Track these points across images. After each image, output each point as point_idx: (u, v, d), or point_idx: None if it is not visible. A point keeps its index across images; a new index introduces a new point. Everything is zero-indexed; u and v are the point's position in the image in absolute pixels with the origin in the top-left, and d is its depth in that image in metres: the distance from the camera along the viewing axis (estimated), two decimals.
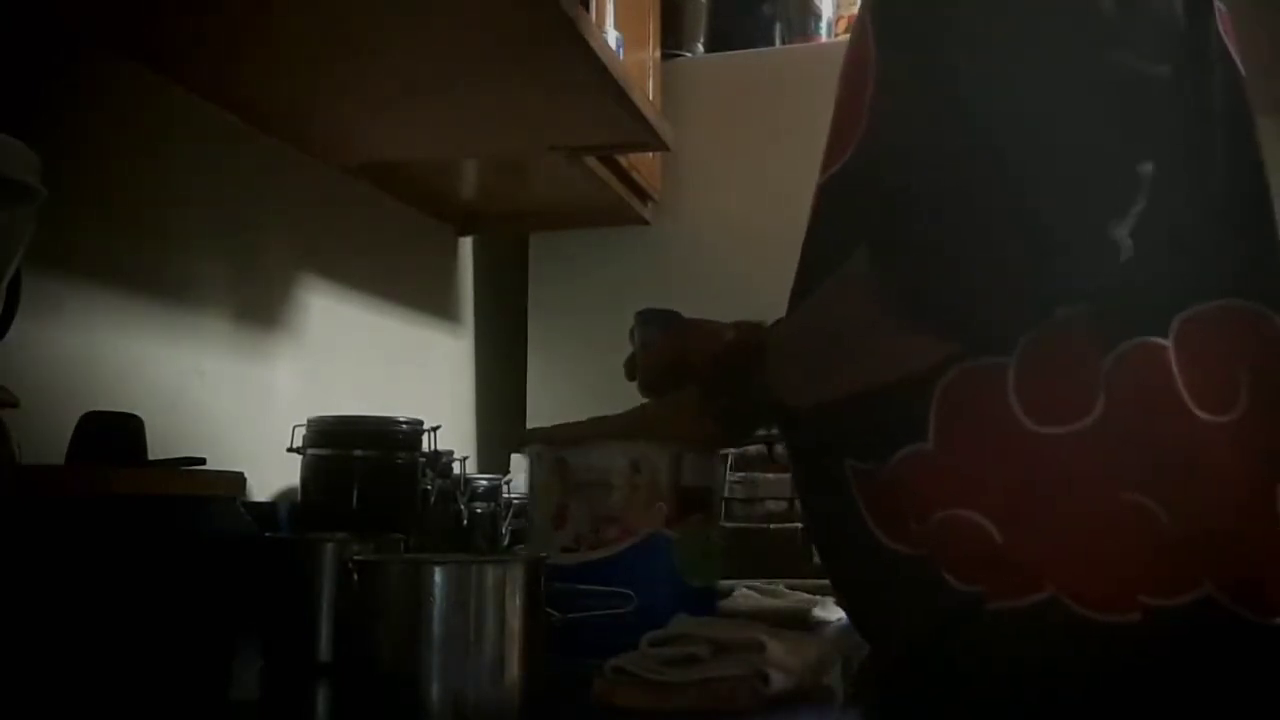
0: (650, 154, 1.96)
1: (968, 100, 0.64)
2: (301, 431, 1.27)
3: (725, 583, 1.51)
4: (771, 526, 1.67)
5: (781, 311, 0.99)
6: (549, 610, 0.80)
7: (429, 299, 2.01)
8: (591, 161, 1.75)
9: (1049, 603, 0.62)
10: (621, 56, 1.70)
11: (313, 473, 1.26)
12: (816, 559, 0.88)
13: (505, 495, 1.49)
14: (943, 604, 0.67)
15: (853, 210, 0.76)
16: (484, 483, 1.45)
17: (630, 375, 1.06)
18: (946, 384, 0.67)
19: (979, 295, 0.64)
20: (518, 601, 0.72)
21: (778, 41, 2.25)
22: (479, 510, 1.42)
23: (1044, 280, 0.63)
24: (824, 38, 2.21)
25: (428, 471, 1.29)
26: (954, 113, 0.64)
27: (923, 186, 0.66)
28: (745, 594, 1.42)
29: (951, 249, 0.63)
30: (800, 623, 1.29)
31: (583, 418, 0.96)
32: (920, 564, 0.67)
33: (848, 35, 0.91)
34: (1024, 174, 0.61)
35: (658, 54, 2.06)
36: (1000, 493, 0.65)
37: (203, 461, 0.87)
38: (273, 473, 1.41)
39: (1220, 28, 0.71)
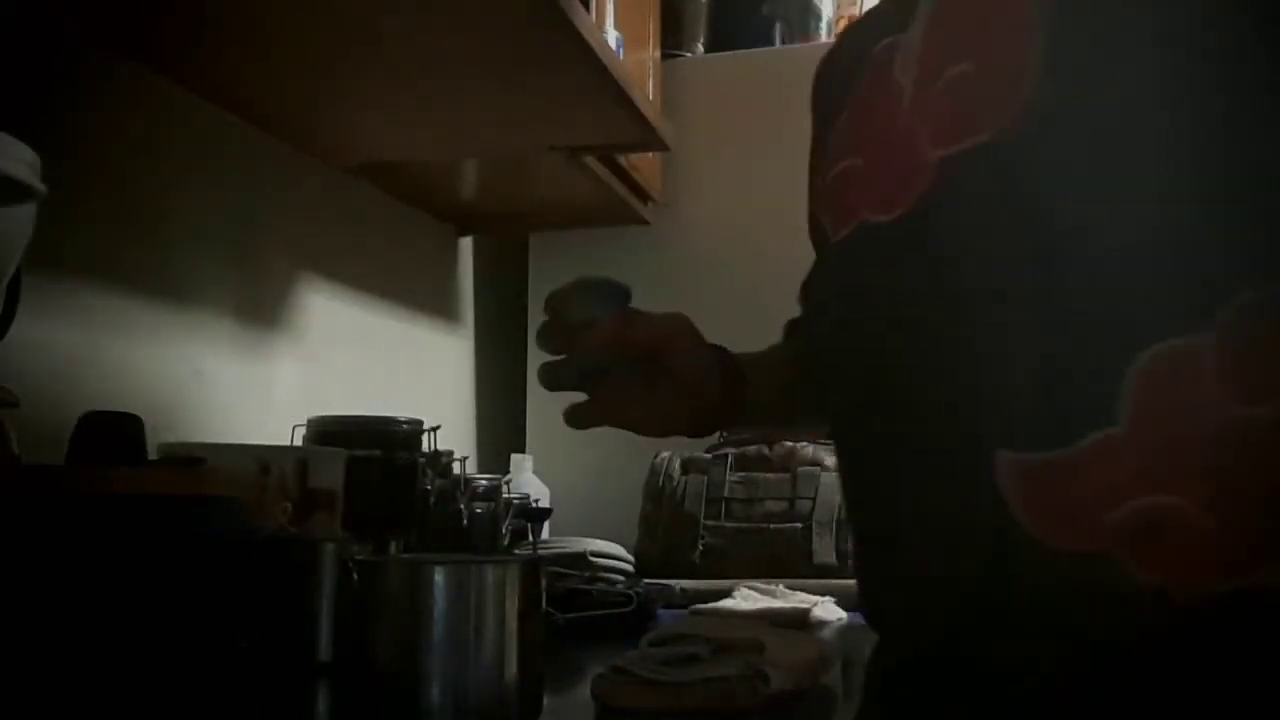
0: (650, 154, 1.96)
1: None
2: (301, 431, 1.27)
3: (725, 583, 1.52)
4: (771, 526, 1.67)
5: (780, 311, 0.99)
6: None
7: (429, 299, 2.01)
8: (591, 161, 1.75)
9: (1263, 591, 0.58)
10: (621, 56, 1.70)
11: None
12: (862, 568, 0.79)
13: (505, 495, 1.49)
14: (1122, 603, 0.62)
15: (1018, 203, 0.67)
16: (484, 483, 1.45)
17: (553, 347, 0.93)
18: (1140, 366, 0.62)
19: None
20: (517, 601, 0.72)
21: (778, 41, 2.25)
22: (479, 510, 1.42)
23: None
24: (824, 37, 2.21)
25: (428, 471, 1.29)
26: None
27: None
28: (745, 594, 1.43)
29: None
30: (800, 623, 1.29)
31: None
32: (1094, 561, 0.62)
33: None
34: None
35: (658, 54, 2.06)
36: (1208, 477, 0.60)
37: (203, 461, 0.87)
38: None
39: None
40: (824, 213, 0.81)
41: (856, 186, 0.76)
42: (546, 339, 0.93)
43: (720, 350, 0.93)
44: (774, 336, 1.01)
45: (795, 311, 0.98)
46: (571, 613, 1.20)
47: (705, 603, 1.39)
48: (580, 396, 0.91)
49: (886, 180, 0.73)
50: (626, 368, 0.90)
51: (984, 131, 0.67)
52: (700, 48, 2.27)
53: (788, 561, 1.62)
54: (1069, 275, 0.65)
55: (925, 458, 0.70)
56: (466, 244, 2.15)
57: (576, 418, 0.91)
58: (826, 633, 1.29)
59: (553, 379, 0.91)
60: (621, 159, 1.85)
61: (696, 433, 0.93)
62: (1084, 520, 0.63)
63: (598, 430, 0.92)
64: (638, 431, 0.92)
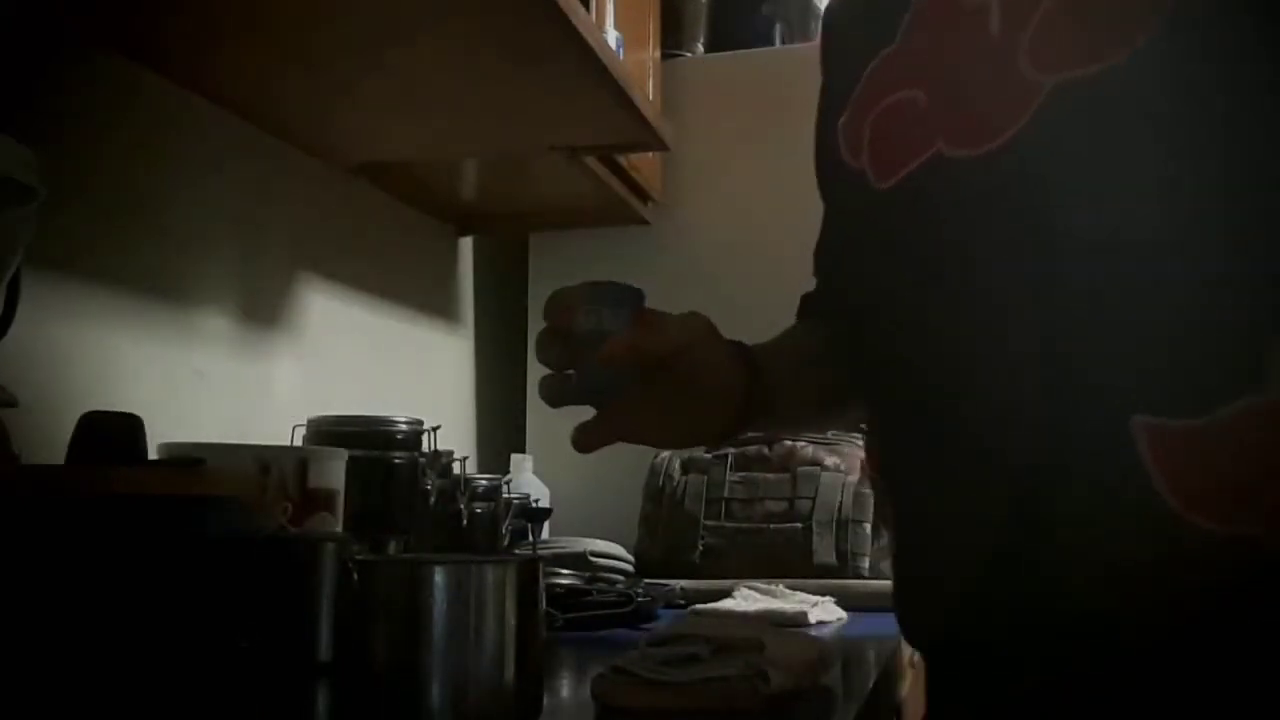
0: (650, 154, 1.96)
1: None
2: (301, 431, 1.27)
3: (725, 583, 1.52)
4: (771, 526, 1.67)
5: (780, 311, 0.99)
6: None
7: (429, 299, 2.01)
8: (591, 161, 1.75)
9: None
10: (621, 56, 1.70)
11: None
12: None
13: (505, 495, 1.49)
14: (1252, 584, 0.58)
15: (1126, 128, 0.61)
16: (484, 483, 1.45)
17: (555, 359, 0.79)
18: None
19: None
20: (517, 601, 0.71)
21: (778, 41, 2.25)
22: (479, 510, 1.42)
23: None
24: None
25: (428, 471, 1.29)
26: None
27: None
28: (745, 594, 1.43)
29: None
30: (800, 623, 1.29)
31: (583, 419, 0.86)
32: (1235, 544, 0.57)
33: None
34: None
35: (658, 54, 2.06)
36: None
37: (203, 461, 0.87)
38: None
39: None
40: (857, 156, 0.72)
41: (922, 120, 0.68)
42: (548, 351, 0.79)
43: (739, 348, 0.83)
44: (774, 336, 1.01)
45: (795, 311, 0.97)
46: (571, 613, 1.20)
47: (705, 603, 1.39)
48: (584, 411, 0.80)
49: (973, 111, 0.65)
50: (640, 378, 0.78)
51: (1118, 51, 0.60)
52: (700, 48, 2.27)
53: (788, 561, 1.62)
54: (1212, 219, 0.59)
55: (1041, 421, 0.62)
56: (466, 244, 2.15)
57: (587, 439, 0.78)
58: (826, 633, 1.29)
59: (557, 395, 0.79)
60: (621, 159, 1.85)
61: (717, 442, 0.86)
62: (1229, 495, 0.58)
63: None
64: (655, 446, 0.82)
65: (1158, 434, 0.58)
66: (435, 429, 1.32)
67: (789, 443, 1.74)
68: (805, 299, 0.96)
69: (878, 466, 0.80)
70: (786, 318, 0.99)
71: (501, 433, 2.21)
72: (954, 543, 0.68)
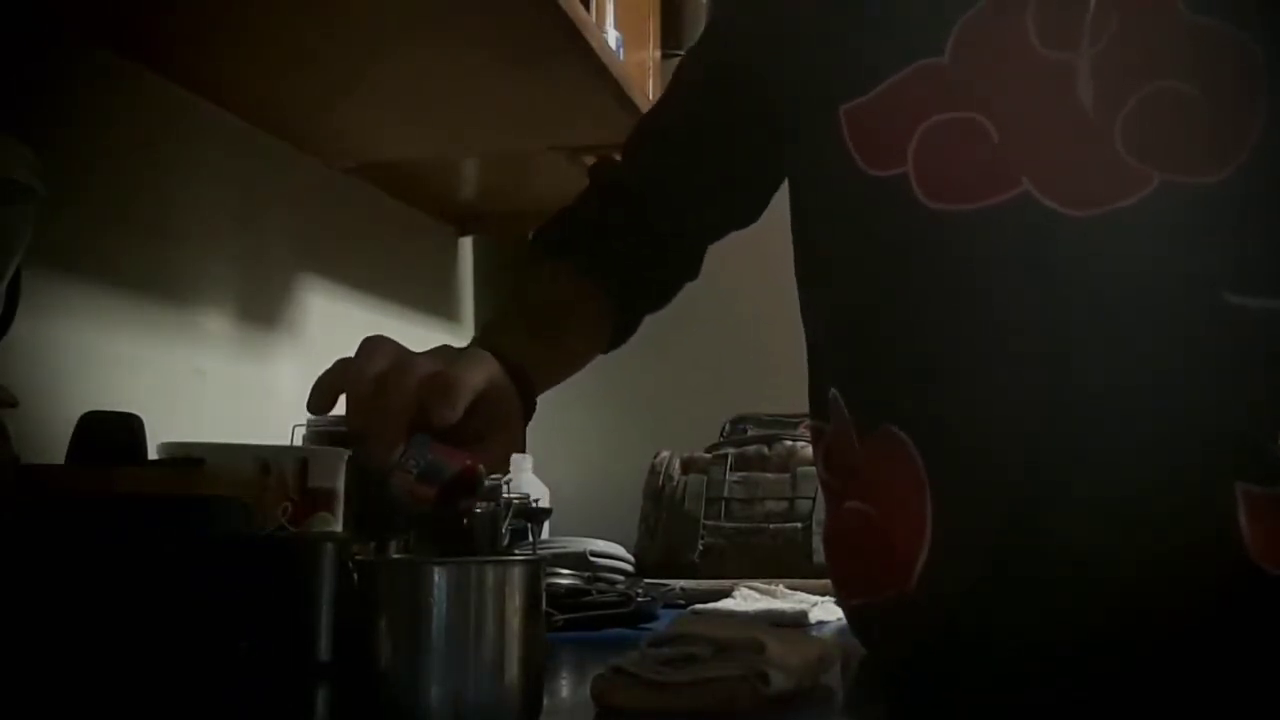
0: None
1: None
2: (301, 431, 1.27)
3: (725, 583, 1.52)
4: (771, 526, 1.67)
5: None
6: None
7: (429, 299, 2.01)
8: (591, 161, 1.75)
9: None
10: (621, 56, 1.70)
11: None
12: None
13: (505, 495, 1.49)
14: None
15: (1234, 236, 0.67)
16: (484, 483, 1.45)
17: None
18: None
19: None
20: (518, 601, 0.71)
21: None
22: (479, 510, 1.42)
23: None
24: None
25: None
26: None
27: None
28: (745, 594, 1.43)
29: None
30: (800, 623, 1.29)
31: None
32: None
33: None
34: None
35: (658, 54, 2.06)
36: None
37: (203, 461, 0.87)
38: None
39: None
40: (883, 159, 0.72)
41: (995, 152, 0.69)
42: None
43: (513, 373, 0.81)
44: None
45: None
46: (571, 613, 1.20)
47: (705, 603, 1.38)
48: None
49: (1069, 171, 0.68)
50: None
51: (1221, 167, 0.65)
52: None
53: (788, 561, 1.62)
54: None
55: (1137, 479, 0.67)
56: (466, 244, 2.15)
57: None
58: (826, 633, 1.29)
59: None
60: None
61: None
62: None
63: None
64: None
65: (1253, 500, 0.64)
66: None
67: (789, 443, 1.75)
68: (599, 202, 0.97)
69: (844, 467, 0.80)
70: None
71: None
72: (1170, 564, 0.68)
